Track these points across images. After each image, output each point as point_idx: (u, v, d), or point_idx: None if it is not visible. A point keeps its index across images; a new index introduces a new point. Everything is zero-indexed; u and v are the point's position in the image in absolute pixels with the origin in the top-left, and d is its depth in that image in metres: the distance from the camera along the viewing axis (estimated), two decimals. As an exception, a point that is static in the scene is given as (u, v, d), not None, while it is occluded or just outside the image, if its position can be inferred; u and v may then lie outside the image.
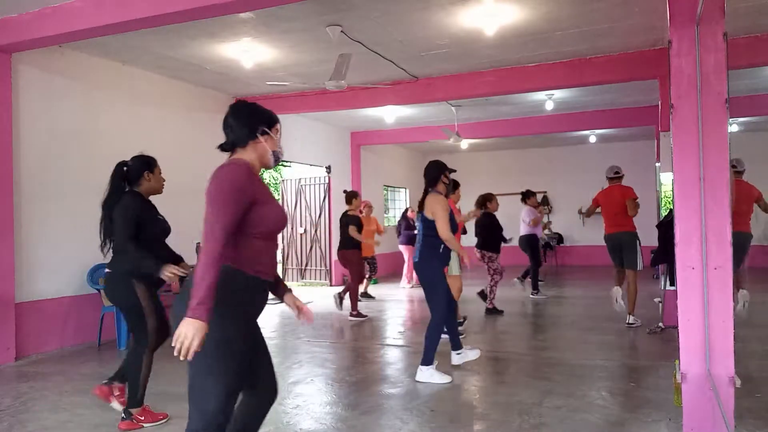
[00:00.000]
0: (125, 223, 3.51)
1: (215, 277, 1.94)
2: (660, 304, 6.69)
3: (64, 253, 6.07)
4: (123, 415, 3.59)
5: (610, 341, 5.89)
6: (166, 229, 3.75)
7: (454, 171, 4.90)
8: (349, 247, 7.64)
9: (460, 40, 6.18)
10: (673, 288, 5.92)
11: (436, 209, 4.47)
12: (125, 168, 3.72)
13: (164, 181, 3.84)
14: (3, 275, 5.39)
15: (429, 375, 4.49)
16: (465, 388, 4.43)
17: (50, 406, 4.07)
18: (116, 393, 3.64)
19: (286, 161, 10.73)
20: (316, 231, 11.68)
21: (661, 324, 6.26)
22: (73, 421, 3.76)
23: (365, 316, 7.58)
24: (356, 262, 7.66)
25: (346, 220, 7.72)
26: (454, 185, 6.33)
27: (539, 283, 9.37)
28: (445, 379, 4.48)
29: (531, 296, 9.03)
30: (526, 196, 9.31)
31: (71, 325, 6.11)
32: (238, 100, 2.37)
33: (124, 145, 6.72)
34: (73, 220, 6.15)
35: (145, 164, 3.72)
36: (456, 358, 4.90)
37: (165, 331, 3.63)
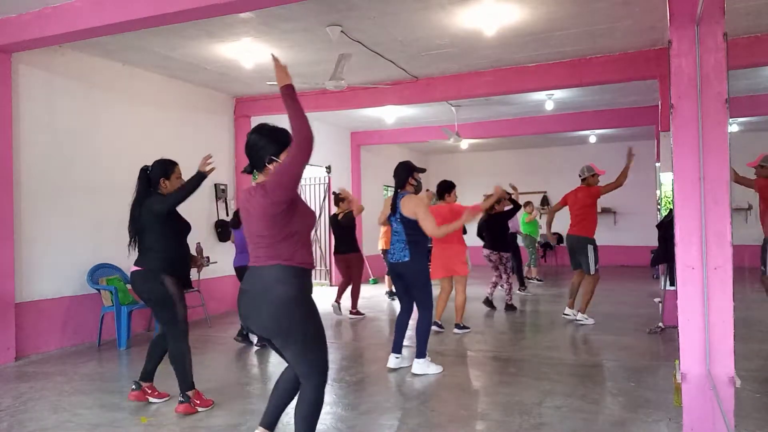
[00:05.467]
0: (158, 218, 3.86)
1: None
2: (660, 304, 6.69)
3: (64, 253, 6.07)
4: (181, 398, 3.87)
5: (610, 341, 5.88)
6: (185, 227, 4.07)
7: (424, 171, 4.90)
8: (356, 249, 7.70)
9: (460, 40, 6.18)
10: (673, 288, 5.93)
11: (418, 209, 4.55)
12: (148, 172, 4.03)
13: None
14: (3, 275, 5.39)
15: (426, 366, 4.74)
16: (465, 388, 4.43)
17: (50, 406, 4.07)
18: (149, 392, 4.10)
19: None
20: (315, 231, 11.67)
21: (661, 324, 6.26)
22: (73, 421, 3.76)
23: (363, 314, 7.69)
24: (360, 264, 7.80)
25: (348, 221, 7.63)
26: (450, 186, 6.31)
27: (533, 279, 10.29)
28: (438, 369, 4.78)
29: (519, 291, 9.44)
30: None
31: (71, 325, 6.11)
32: (252, 132, 2.63)
33: (124, 145, 6.75)
34: (74, 220, 6.15)
35: (161, 171, 4.02)
36: (394, 361, 4.93)
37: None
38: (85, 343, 6.19)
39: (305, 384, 2.71)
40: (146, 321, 6.84)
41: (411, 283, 4.70)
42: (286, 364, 2.83)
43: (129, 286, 6.35)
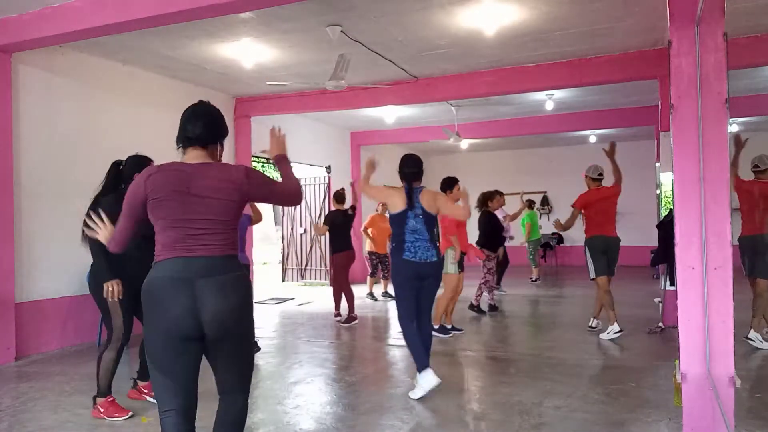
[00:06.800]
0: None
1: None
2: (660, 304, 6.69)
3: (64, 253, 6.06)
4: (93, 401, 3.86)
5: (610, 341, 5.88)
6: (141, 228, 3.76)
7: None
8: (348, 248, 7.46)
9: (460, 40, 6.18)
10: (673, 288, 5.92)
11: (438, 199, 4.33)
12: (120, 167, 3.89)
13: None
14: (3, 275, 5.39)
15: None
16: (465, 388, 4.43)
17: (50, 406, 4.07)
18: (146, 391, 4.07)
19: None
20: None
21: (661, 324, 6.26)
22: (73, 421, 3.76)
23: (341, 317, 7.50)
24: (347, 263, 7.49)
25: (346, 219, 7.52)
26: (453, 182, 6.25)
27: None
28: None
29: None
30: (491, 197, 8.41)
31: (71, 325, 6.11)
32: (210, 104, 2.53)
33: (124, 145, 6.70)
34: (74, 220, 6.12)
35: (135, 166, 3.77)
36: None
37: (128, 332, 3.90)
38: (85, 343, 6.19)
39: (240, 396, 2.40)
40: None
41: (434, 285, 4.31)
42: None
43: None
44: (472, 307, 7.64)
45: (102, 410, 3.79)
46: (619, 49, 6.61)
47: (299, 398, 4.18)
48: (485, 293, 7.79)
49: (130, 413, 3.81)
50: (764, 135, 12.29)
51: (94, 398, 3.85)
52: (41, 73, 5.93)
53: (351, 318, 7.25)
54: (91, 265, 3.86)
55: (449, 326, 6.41)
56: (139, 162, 3.85)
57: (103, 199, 3.74)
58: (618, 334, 5.94)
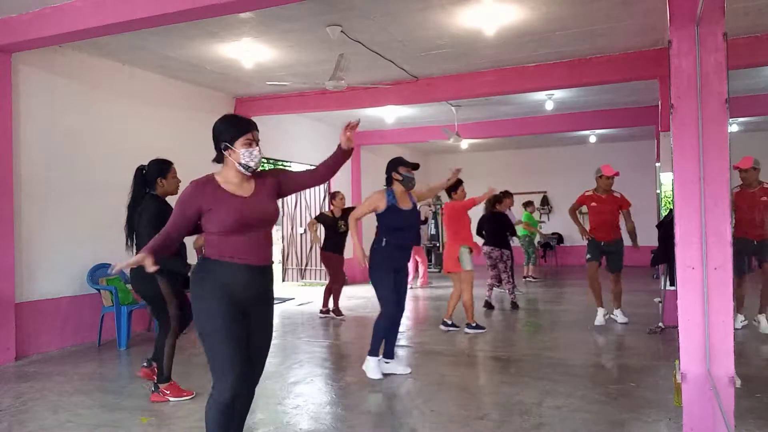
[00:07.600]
0: (150, 224, 3.91)
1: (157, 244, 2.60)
2: (660, 304, 6.69)
3: (64, 253, 6.07)
4: (152, 388, 4.15)
5: (610, 341, 5.89)
6: None
7: (414, 166, 4.75)
8: (338, 252, 7.70)
9: (460, 40, 6.18)
10: (673, 288, 5.93)
11: (363, 201, 4.66)
12: (143, 172, 4.14)
13: (179, 182, 4.16)
14: (3, 275, 5.39)
15: (366, 365, 4.67)
16: (465, 388, 4.43)
17: (50, 406, 4.07)
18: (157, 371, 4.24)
19: (286, 161, 10.74)
20: (316, 231, 11.63)
21: (661, 324, 6.27)
22: (73, 421, 3.76)
23: (341, 315, 7.60)
24: (336, 263, 7.70)
25: (323, 219, 7.83)
26: (457, 183, 6.38)
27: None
28: (377, 375, 4.60)
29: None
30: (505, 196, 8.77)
31: (71, 325, 6.11)
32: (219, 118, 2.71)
33: (124, 145, 6.74)
34: (74, 220, 6.16)
35: (158, 171, 4.13)
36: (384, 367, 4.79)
37: (187, 317, 4.14)
38: (85, 343, 6.19)
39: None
40: (146, 321, 6.84)
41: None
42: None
43: (129, 286, 6.35)
44: (514, 305, 7.98)
45: (168, 392, 4.10)
46: (619, 49, 6.61)
47: (299, 398, 4.18)
48: (501, 292, 8.01)
49: (194, 394, 4.12)
50: (764, 135, 12.31)
51: (156, 385, 4.14)
52: (41, 73, 5.93)
53: (337, 312, 7.56)
54: (135, 269, 4.03)
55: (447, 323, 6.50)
56: (161, 165, 4.15)
57: (147, 207, 3.99)
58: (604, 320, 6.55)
